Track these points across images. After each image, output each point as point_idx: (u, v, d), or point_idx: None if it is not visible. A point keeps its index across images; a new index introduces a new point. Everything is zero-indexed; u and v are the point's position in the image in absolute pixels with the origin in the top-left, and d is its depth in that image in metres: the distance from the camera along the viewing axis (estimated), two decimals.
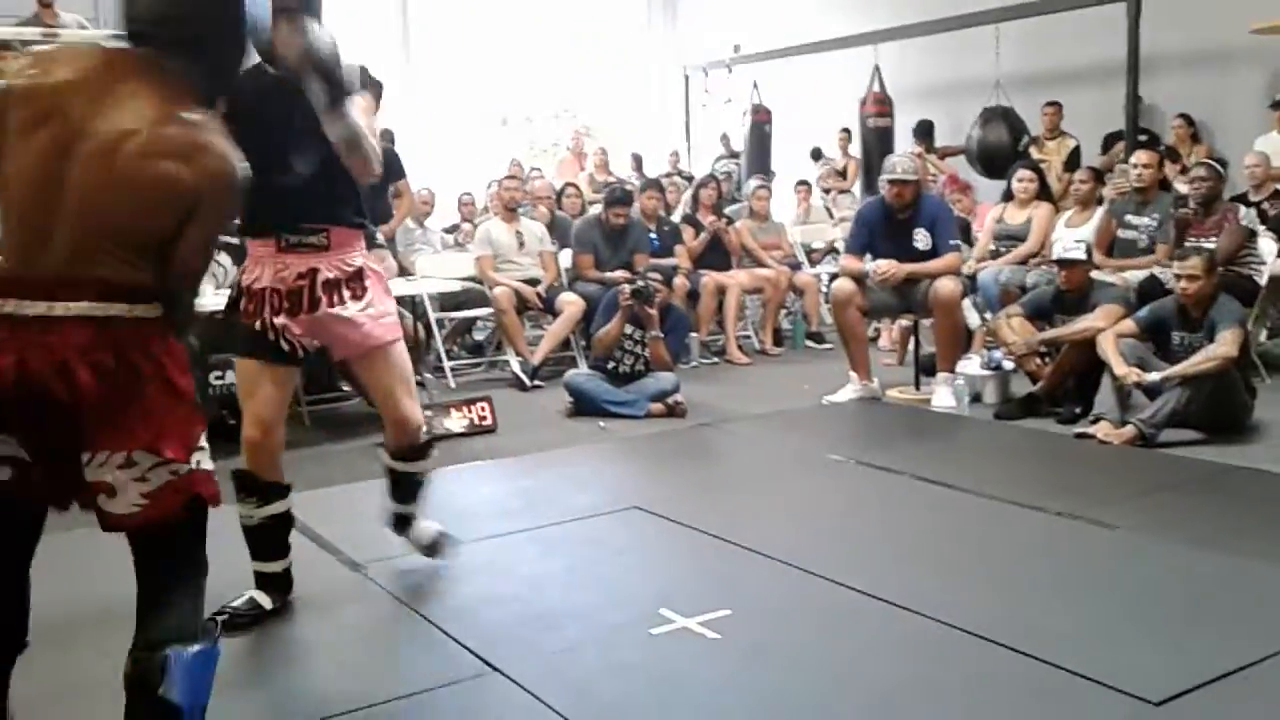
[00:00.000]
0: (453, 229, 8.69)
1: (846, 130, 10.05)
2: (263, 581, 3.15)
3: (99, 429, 1.86)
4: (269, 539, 3.15)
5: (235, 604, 3.07)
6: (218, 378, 5.40)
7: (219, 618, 2.92)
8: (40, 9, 6.91)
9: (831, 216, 9.39)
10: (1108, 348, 5.04)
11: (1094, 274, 5.60)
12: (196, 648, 1.93)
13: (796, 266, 8.17)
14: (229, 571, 3.13)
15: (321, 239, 2.98)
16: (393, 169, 6.78)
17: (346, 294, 3.02)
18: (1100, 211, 6.50)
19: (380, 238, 6.44)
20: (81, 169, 1.85)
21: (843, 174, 10.10)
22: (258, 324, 2.97)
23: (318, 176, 2.90)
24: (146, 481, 1.89)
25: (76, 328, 1.84)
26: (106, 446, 1.87)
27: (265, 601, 3.12)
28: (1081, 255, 5.44)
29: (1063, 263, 5.47)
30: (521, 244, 7.10)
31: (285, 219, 2.95)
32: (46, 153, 1.86)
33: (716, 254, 7.73)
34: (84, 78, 1.91)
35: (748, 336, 7.86)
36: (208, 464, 1.98)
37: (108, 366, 1.85)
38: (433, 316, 6.77)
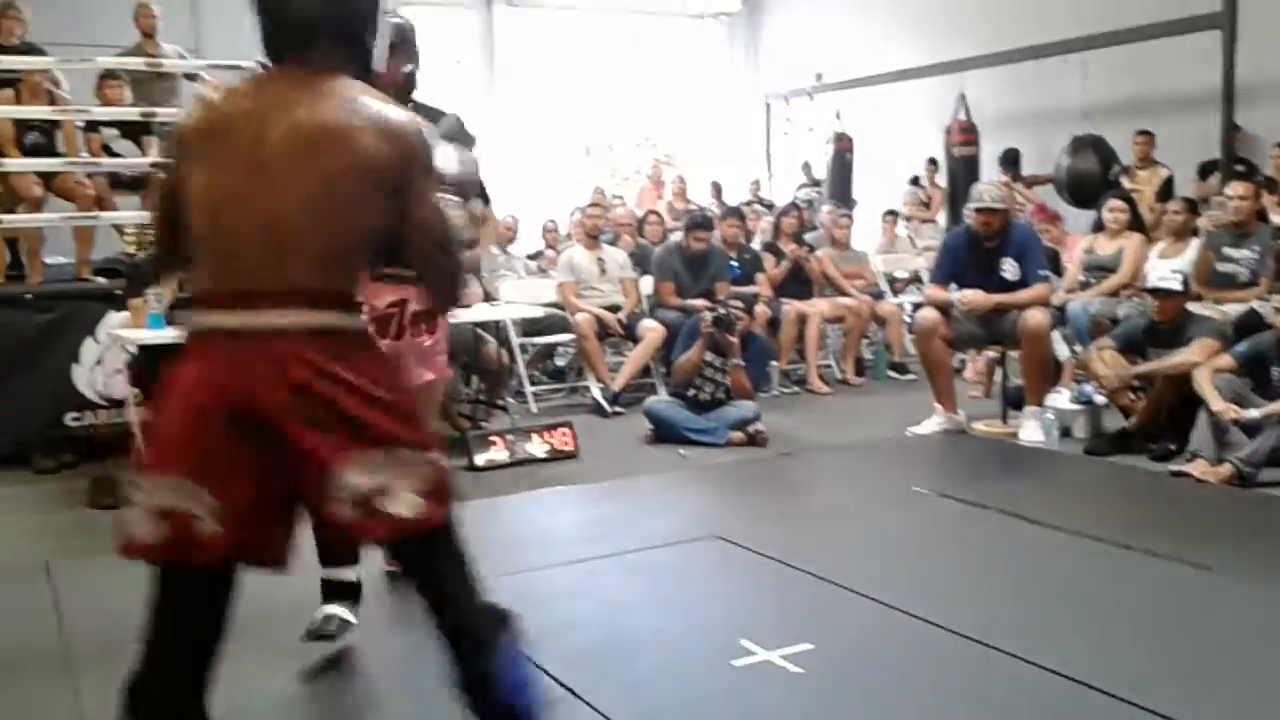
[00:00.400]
0: (536, 255, 8.79)
1: (934, 161, 9.91)
2: (339, 590, 3.12)
3: (343, 435, 1.75)
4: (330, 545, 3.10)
5: (327, 628, 3.05)
6: None
7: (310, 640, 2.96)
8: (143, 39, 7.13)
9: (914, 245, 9.30)
10: (1204, 383, 4.89)
11: (1189, 306, 5.46)
12: (504, 644, 1.90)
13: (879, 296, 8.09)
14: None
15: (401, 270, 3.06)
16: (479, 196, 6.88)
17: (423, 326, 3.13)
18: (1196, 243, 6.33)
19: None
20: (274, 175, 1.81)
21: (926, 204, 9.99)
22: None
23: None
24: (410, 482, 1.78)
25: (284, 338, 1.77)
26: (363, 449, 1.76)
27: (350, 616, 3.12)
28: (1177, 285, 5.30)
29: (1157, 293, 5.34)
30: (603, 270, 7.15)
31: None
32: (233, 172, 1.82)
33: (798, 282, 7.69)
34: (252, 97, 1.90)
35: (829, 366, 7.79)
36: (446, 460, 1.89)
37: (318, 377, 1.76)
38: (515, 342, 6.84)
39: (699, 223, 7.25)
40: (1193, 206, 6.75)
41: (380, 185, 1.84)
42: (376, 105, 1.88)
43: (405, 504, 1.78)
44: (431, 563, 1.89)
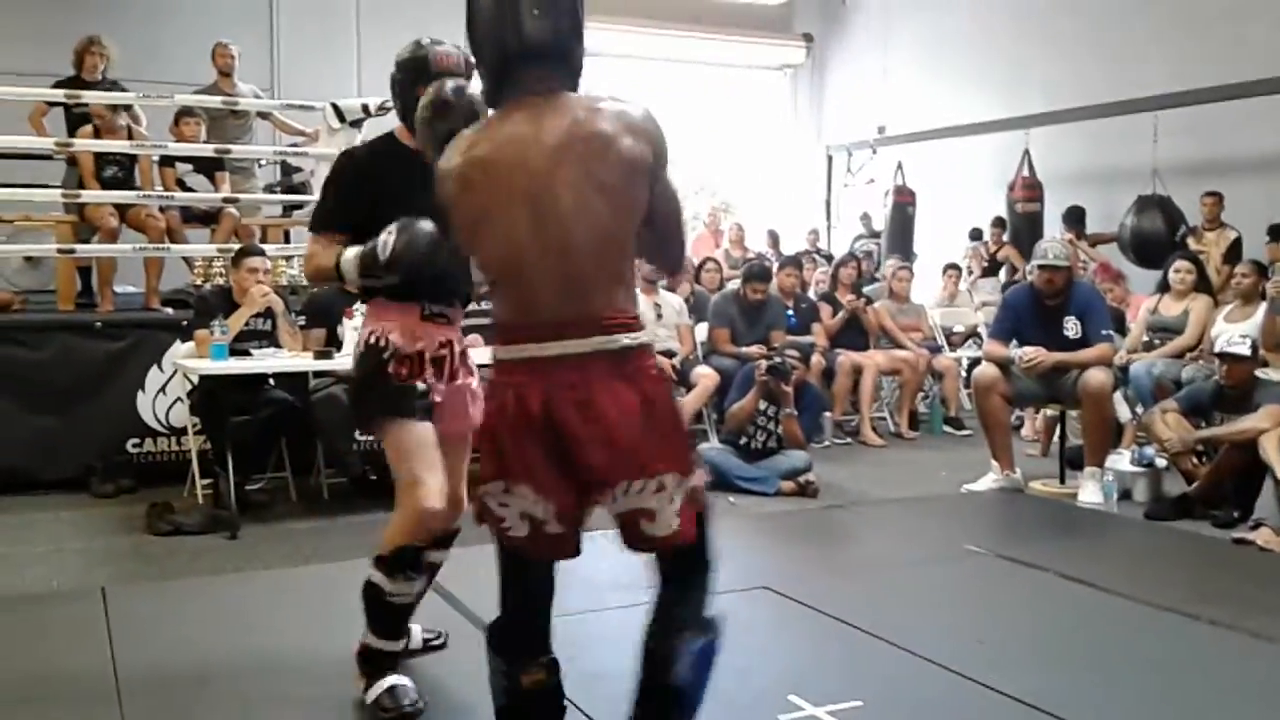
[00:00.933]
0: None
1: (1002, 221, 9.74)
2: (389, 662, 2.99)
3: (628, 457, 1.96)
4: (407, 616, 3.04)
5: (404, 703, 2.89)
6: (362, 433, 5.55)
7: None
8: (220, 78, 7.32)
9: (971, 300, 9.21)
10: (1271, 450, 4.77)
11: (1258, 372, 5.34)
12: (704, 640, 2.11)
13: (936, 349, 8.02)
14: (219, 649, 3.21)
15: (453, 312, 3.01)
16: None
17: (465, 369, 3.05)
18: (1265, 307, 6.20)
19: None
20: (560, 209, 1.94)
21: (991, 259, 9.85)
22: (421, 385, 2.88)
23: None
24: (675, 502, 1.99)
25: (592, 362, 1.95)
26: (639, 474, 1.96)
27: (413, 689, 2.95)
28: (1246, 351, 5.20)
29: (1226, 357, 5.24)
30: (659, 316, 7.16)
31: (434, 288, 2.94)
32: (521, 214, 1.95)
33: (854, 333, 7.66)
34: (511, 135, 1.99)
35: (883, 418, 7.73)
36: (702, 475, 2.09)
37: (624, 396, 1.96)
38: None
39: (758, 274, 7.24)
40: (1262, 269, 6.63)
41: (646, 181, 2.01)
42: (617, 106, 2.01)
43: (663, 527, 2.00)
44: (680, 568, 2.12)
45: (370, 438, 5.65)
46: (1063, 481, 5.86)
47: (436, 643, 3.43)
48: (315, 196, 6.71)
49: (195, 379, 5.23)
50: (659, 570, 2.13)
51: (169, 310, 6.23)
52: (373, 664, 2.96)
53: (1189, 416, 5.34)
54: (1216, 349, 5.44)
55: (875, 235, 11.14)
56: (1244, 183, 8.06)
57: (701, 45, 12.24)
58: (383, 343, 2.86)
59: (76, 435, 5.62)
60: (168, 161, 6.78)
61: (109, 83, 6.70)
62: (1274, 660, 3.38)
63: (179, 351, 5.60)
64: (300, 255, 6.55)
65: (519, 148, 1.95)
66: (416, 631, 3.36)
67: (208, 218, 6.87)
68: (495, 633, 2.20)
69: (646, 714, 2.15)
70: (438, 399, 2.92)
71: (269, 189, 7.86)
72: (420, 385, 2.87)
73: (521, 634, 2.16)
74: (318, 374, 5.41)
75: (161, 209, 6.52)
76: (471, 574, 4.11)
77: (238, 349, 5.19)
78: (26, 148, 6.70)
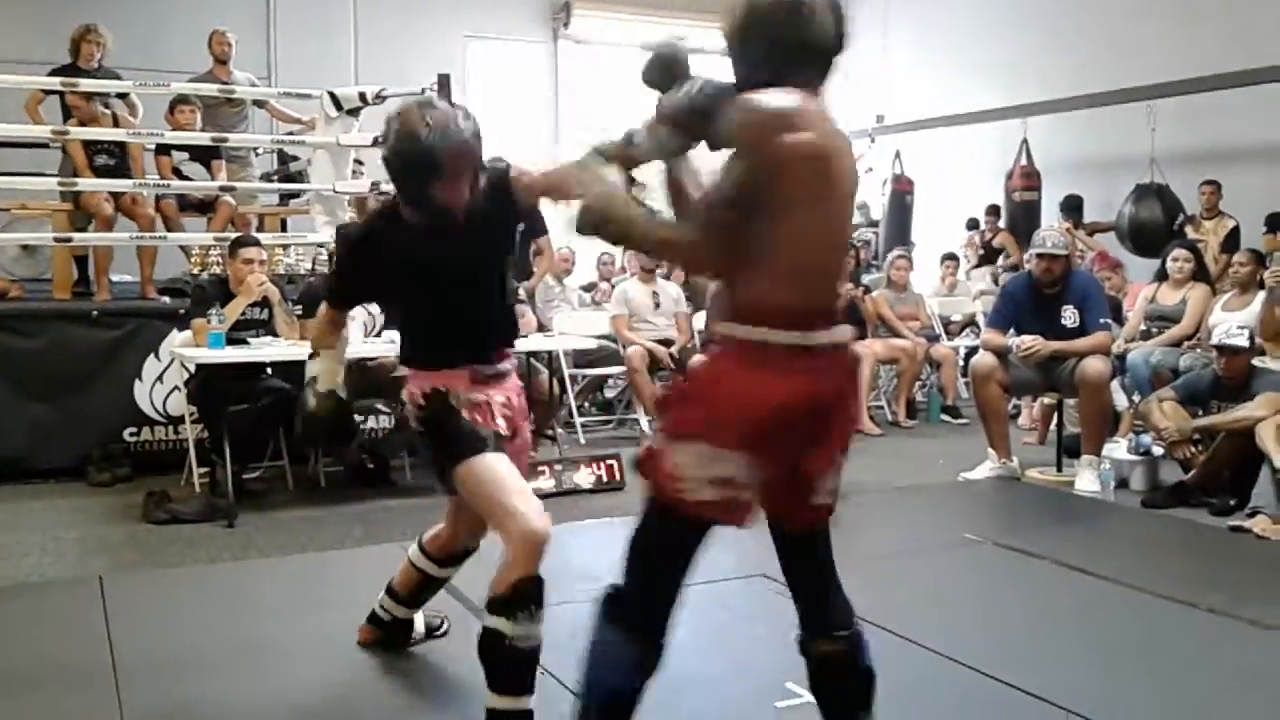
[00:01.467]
0: (590, 287, 8.82)
1: (996, 209, 9.73)
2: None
3: (839, 438, 2.16)
4: (534, 664, 2.64)
5: None
6: (360, 421, 5.57)
7: None
8: (216, 66, 7.28)
9: (968, 289, 9.19)
10: (1267, 438, 4.78)
11: (1255, 361, 5.35)
12: (859, 625, 2.33)
13: (934, 338, 8.02)
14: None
15: (507, 365, 2.88)
16: (535, 227, 6.96)
17: (522, 417, 2.94)
18: (1262, 296, 6.20)
19: (521, 294, 6.59)
20: (848, 207, 2.15)
21: (986, 248, 9.85)
22: (497, 427, 2.78)
23: (504, 302, 2.87)
24: (836, 477, 2.20)
25: (843, 351, 2.13)
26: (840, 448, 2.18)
27: None
28: (1244, 342, 5.20)
29: (1224, 350, 5.23)
30: (657, 305, 7.16)
31: (479, 350, 2.80)
32: (835, 205, 2.08)
33: (852, 322, 7.58)
34: (827, 129, 2.06)
35: (880, 407, 7.73)
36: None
37: (851, 383, 2.19)
38: (566, 372, 6.86)
39: None
40: (1260, 258, 6.62)
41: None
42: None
43: (823, 495, 2.19)
44: (823, 546, 2.29)
45: (368, 425, 5.67)
46: (1060, 470, 5.87)
47: (440, 630, 3.43)
48: (311, 185, 6.74)
49: (192, 368, 5.22)
50: (795, 555, 2.29)
51: (166, 299, 6.22)
52: None
53: (1186, 405, 5.35)
54: (1214, 341, 5.44)
55: (873, 224, 11.12)
56: (1242, 172, 8.05)
57: (698, 33, 12.16)
58: (443, 388, 2.71)
59: (73, 424, 5.62)
60: (164, 149, 6.75)
61: (105, 71, 6.67)
62: (1270, 647, 3.39)
63: (176, 340, 5.60)
64: (296, 245, 6.54)
65: (838, 148, 2.07)
66: (420, 623, 3.36)
67: (204, 206, 6.85)
68: (618, 604, 2.19)
69: (850, 700, 2.32)
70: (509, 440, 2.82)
71: (265, 177, 7.84)
72: (498, 429, 2.76)
73: (649, 612, 2.17)
74: None
75: (158, 197, 6.50)
76: (469, 564, 4.14)
77: (235, 338, 5.18)
78: (23, 136, 6.67)
